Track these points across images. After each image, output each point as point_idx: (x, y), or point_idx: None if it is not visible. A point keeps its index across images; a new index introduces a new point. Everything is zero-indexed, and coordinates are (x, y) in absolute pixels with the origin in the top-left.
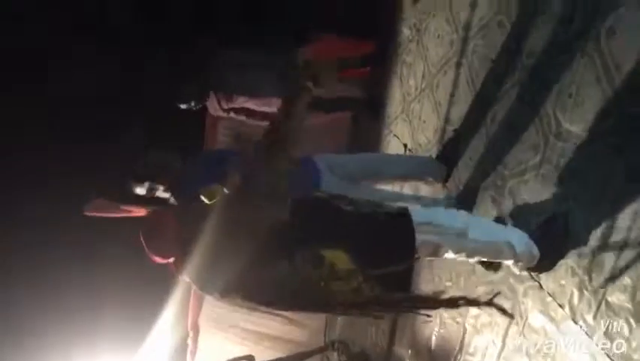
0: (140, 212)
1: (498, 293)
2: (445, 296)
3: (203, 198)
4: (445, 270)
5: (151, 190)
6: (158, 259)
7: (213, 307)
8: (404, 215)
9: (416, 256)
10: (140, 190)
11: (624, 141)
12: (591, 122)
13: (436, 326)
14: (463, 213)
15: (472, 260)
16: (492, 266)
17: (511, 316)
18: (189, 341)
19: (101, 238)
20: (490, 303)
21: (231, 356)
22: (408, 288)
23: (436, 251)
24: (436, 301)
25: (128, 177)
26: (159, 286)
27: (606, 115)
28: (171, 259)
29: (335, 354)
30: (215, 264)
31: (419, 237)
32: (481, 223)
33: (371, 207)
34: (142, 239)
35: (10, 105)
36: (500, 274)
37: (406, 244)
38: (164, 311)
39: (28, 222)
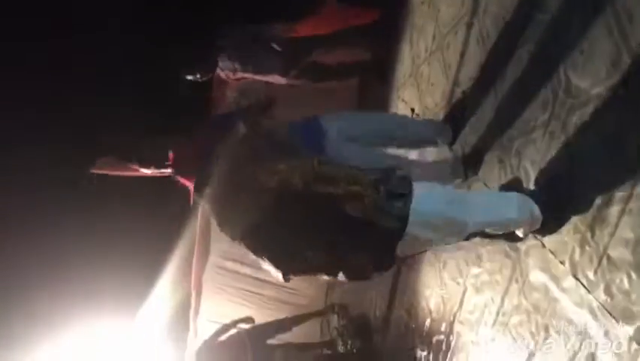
0: (148, 172)
1: None
2: None
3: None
4: None
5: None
6: (184, 181)
7: (217, 268)
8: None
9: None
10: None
11: (634, 94)
12: (601, 77)
13: (436, 286)
14: (462, 196)
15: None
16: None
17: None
18: (192, 301)
19: (104, 192)
20: None
21: (232, 318)
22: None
23: (426, 246)
24: None
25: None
26: (162, 243)
27: (617, 69)
28: (191, 185)
29: (335, 318)
30: (236, 206)
31: (411, 230)
32: (480, 204)
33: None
34: (170, 159)
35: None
36: None
37: (384, 260)
38: (167, 268)
39: (28, 175)
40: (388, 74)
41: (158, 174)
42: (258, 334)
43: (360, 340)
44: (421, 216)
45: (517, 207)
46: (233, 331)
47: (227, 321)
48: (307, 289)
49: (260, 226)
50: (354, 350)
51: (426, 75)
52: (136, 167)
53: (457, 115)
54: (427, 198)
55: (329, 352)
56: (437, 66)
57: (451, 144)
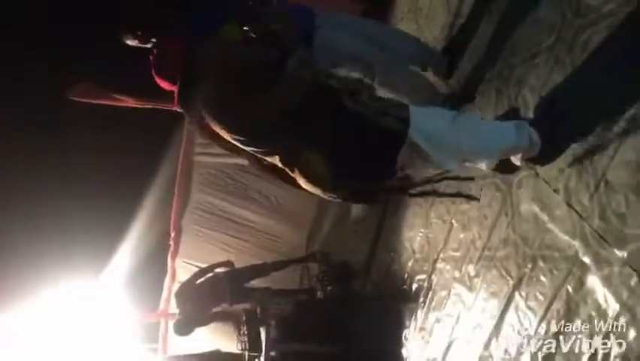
0: (127, 101)
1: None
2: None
3: (223, 34)
4: None
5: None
6: (164, 85)
7: (198, 209)
8: (403, 123)
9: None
10: (131, 41)
11: None
12: None
13: (422, 227)
14: (463, 117)
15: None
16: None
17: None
18: (171, 242)
19: (76, 125)
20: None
21: (211, 262)
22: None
23: (426, 162)
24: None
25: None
26: (139, 177)
27: None
28: (173, 88)
29: (315, 266)
30: (220, 97)
31: (413, 135)
32: (480, 129)
33: (374, 110)
34: (152, 62)
35: None
36: None
37: (386, 167)
38: (145, 210)
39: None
40: (386, 8)
41: (137, 104)
42: (237, 277)
43: (340, 285)
44: (421, 124)
45: (516, 133)
46: (211, 273)
47: (206, 264)
48: (289, 237)
49: (262, 120)
50: (334, 296)
51: (425, 9)
52: (115, 95)
53: (455, 48)
54: (428, 111)
55: (308, 298)
56: None
57: (447, 77)
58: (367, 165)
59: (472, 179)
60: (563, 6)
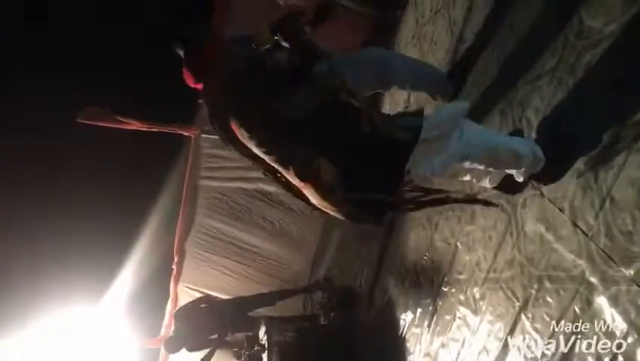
0: (134, 124)
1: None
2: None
3: (254, 41)
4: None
5: None
6: (190, 81)
7: (202, 233)
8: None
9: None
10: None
11: None
12: (616, 14)
13: (426, 250)
14: (473, 124)
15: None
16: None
17: (495, 205)
18: (174, 266)
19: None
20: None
21: (214, 287)
22: None
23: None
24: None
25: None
26: (141, 201)
27: (632, 5)
28: (199, 86)
29: (319, 294)
30: (246, 100)
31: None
32: (488, 131)
33: (389, 128)
34: (183, 56)
35: None
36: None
37: (395, 177)
38: (149, 233)
39: None
40: (390, 36)
41: (143, 127)
42: (240, 305)
43: (343, 312)
44: (433, 122)
45: (522, 141)
46: (215, 299)
47: (209, 290)
48: (293, 262)
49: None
50: (337, 323)
51: (429, 35)
52: (123, 119)
53: (459, 72)
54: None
55: (310, 325)
56: (442, 24)
57: (451, 100)
58: (379, 176)
59: (475, 200)
60: (565, 28)
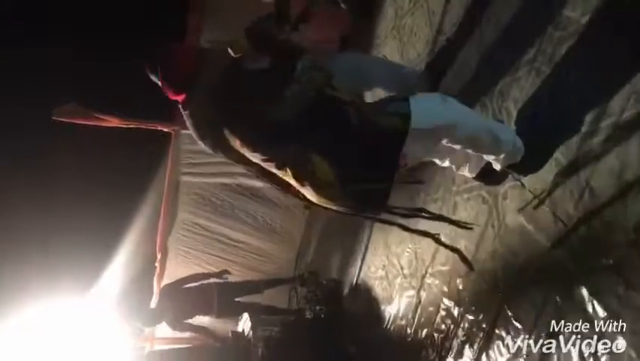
0: (112, 121)
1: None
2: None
3: (230, 49)
4: (426, 181)
5: None
6: (171, 93)
7: (184, 230)
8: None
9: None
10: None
11: (624, 21)
12: (592, 4)
13: (409, 242)
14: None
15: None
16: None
17: (469, 264)
18: (157, 264)
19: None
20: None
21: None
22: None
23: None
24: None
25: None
26: (126, 202)
27: None
28: (180, 97)
29: (304, 289)
30: (231, 106)
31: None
32: (472, 113)
33: (376, 116)
34: (159, 68)
35: None
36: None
37: (390, 164)
38: (131, 231)
39: None
40: (369, 27)
41: (122, 124)
42: (228, 289)
43: (328, 305)
44: (420, 109)
45: (503, 127)
46: (203, 280)
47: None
48: (277, 256)
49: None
50: (323, 316)
51: (409, 26)
52: (101, 116)
53: (439, 64)
54: (425, 99)
55: (297, 318)
56: (421, 16)
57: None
58: (373, 165)
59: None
60: (543, 19)
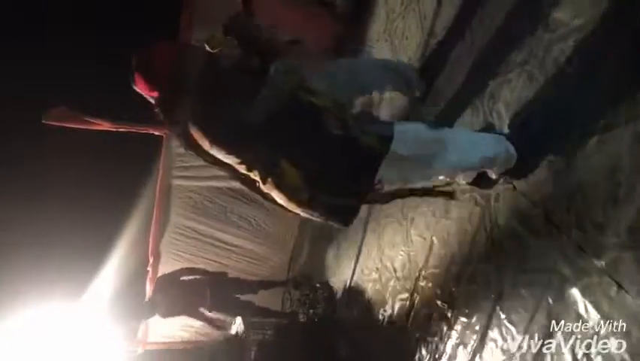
0: (102, 125)
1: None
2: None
3: (206, 45)
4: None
5: None
6: (144, 90)
7: (176, 233)
8: (386, 141)
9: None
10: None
11: (616, 24)
12: (583, 7)
13: (403, 245)
14: (441, 132)
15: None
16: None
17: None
18: (149, 268)
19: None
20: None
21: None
22: None
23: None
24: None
25: None
26: (118, 206)
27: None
28: (154, 94)
29: (297, 292)
30: (203, 105)
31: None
32: (457, 142)
33: (357, 131)
34: (135, 65)
35: None
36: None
37: (365, 183)
38: (123, 235)
39: None
40: (361, 30)
41: (112, 128)
42: (223, 285)
43: (322, 308)
44: (403, 135)
45: (492, 145)
46: (197, 275)
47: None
48: (270, 259)
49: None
50: (316, 319)
51: (400, 30)
52: (92, 119)
53: (430, 67)
54: (411, 127)
55: (290, 321)
56: (412, 19)
57: (423, 96)
58: (346, 180)
59: (451, 195)
60: (534, 22)
